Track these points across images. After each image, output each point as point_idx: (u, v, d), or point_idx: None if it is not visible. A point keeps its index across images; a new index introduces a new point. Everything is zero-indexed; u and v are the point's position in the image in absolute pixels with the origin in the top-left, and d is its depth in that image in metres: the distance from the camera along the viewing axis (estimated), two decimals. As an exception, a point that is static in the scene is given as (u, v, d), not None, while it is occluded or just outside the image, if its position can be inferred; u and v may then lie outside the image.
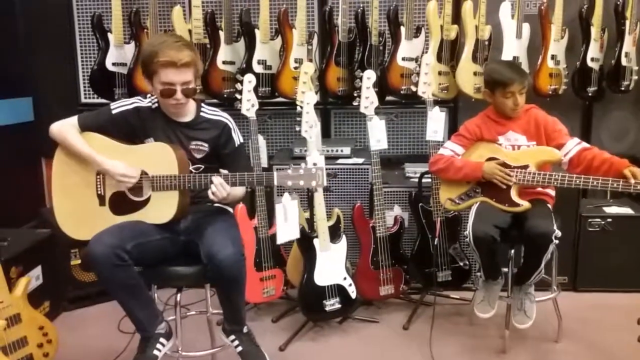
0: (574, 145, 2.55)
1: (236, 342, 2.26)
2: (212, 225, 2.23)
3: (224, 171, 2.23)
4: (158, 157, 2.19)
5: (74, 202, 2.24)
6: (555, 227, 2.41)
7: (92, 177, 2.23)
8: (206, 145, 2.28)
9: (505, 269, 2.62)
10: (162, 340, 2.16)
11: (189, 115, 2.28)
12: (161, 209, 2.18)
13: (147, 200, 2.20)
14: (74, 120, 2.24)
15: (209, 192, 2.13)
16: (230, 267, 2.08)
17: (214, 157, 2.31)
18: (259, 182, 2.27)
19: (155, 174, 2.17)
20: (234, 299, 2.23)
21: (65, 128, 2.21)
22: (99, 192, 2.23)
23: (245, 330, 2.29)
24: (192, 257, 2.18)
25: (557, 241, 2.42)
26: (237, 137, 2.36)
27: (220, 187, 2.11)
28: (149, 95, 2.28)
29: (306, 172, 2.11)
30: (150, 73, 2.15)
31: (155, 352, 2.13)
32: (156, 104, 2.26)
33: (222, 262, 2.05)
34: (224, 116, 2.35)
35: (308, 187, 2.15)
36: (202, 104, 2.34)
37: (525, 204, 2.52)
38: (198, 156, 2.27)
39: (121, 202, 2.21)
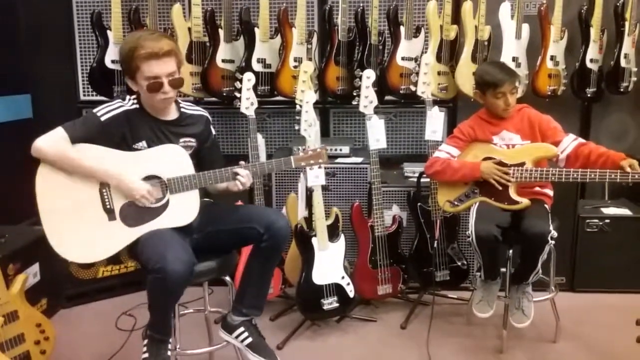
0: (570, 142, 2.55)
1: (245, 334, 2.26)
2: (244, 207, 2.50)
3: (242, 163, 2.25)
4: (171, 159, 2.14)
5: (73, 224, 2.05)
6: (551, 228, 2.42)
7: (94, 192, 2.08)
8: (194, 140, 2.28)
9: (504, 269, 2.62)
10: (171, 340, 2.16)
11: (173, 113, 2.25)
12: (184, 210, 2.14)
13: (166, 204, 2.13)
14: (61, 133, 2.05)
15: (237, 183, 2.19)
16: (287, 235, 2.25)
17: (199, 152, 2.32)
18: (278, 167, 2.30)
19: (171, 177, 2.12)
20: (270, 274, 2.33)
21: (60, 144, 2.03)
22: (108, 206, 2.08)
23: (254, 321, 2.31)
24: (204, 252, 2.19)
25: (553, 241, 2.42)
26: (213, 129, 2.41)
27: (247, 177, 2.20)
28: (127, 96, 2.21)
29: (314, 152, 2.29)
30: (133, 70, 2.09)
31: (168, 352, 2.14)
32: (138, 105, 2.18)
33: (281, 230, 2.19)
34: (202, 110, 2.37)
35: (317, 166, 2.45)
36: (179, 101, 2.32)
37: (524, 201, 2.53)
38: (187, 152, 2.26)
39: (135, 213, 2.10)
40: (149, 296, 2.06)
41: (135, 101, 2.19)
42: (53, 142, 2.04)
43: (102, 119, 2.11)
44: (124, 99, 2.19)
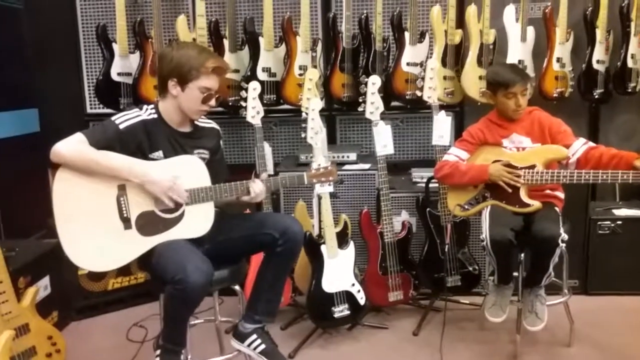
0: (580, 145, 2.53)
1: (258, 341, 2.26)
2: (256, 214, 2.56)
3: (264, 175, 2.30)
4: (189, 170, 2.15)
5: (88, 231, 2.04)
6: (561, 231, 2.39)
7: (112, 199, 2.07)
8: (207, 152, 2.30)
9: (516, 273, 2.60)
10: (183, 351, 2.16)
11: (189, 125, 2.27)
12: (199, 221, 2.14)
13: (181, 215, 2.13)
14: (80, 137, 2.05)
15: (248, 197, 2.21)
16: (302, 239, 2.29)
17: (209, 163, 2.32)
18: (291, 183, 2.33)
19: (188, 188, 2.12)
20: (284, 279, 2.34)
21: (81, 146, 2.02)
22: (125, 215, 2.08)
23: (266, 328, 2.31)
24: (214, 262, 2.16)
25: (563, 244, 2.40)
26: (222, 142, 2.44)
27: (260, 192, 2.22)
28: (144, 106, 2.21)
29: (325, 169, 2.32)
30: (190, 78, 2.12)
31: None
32: (156, 115, 2.19)
33: (297, 234, 2.22)
34: (213, 123, 2.39)
35: (328, 183, 2.50)
36: None
37: (536, 204, 2.50)
38: None
39: (151, 222, 2.09)
40: (167, 307, 2.06)
41: (153, 111, 2.19)
42: (72, 144, 2.03)
43: (121, 127, 2.11)
44: (141, 109, 2.19)
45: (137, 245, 2.09)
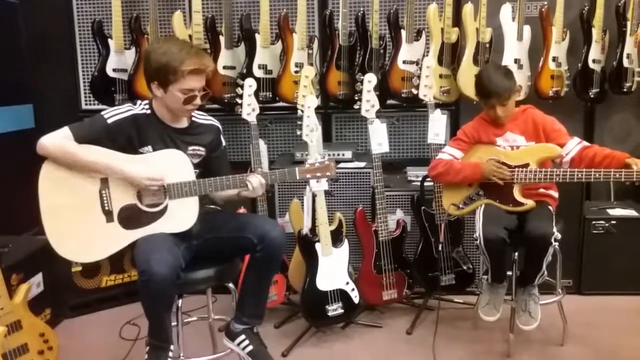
0: (574, 145, 2.53)
1: (246, 342, 2.26)
2: (242, 215, 2.44)
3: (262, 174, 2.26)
4: (173, 165, 2.14)
5: (72, 223, 2.07)
6: (554, 229, 2.40)
7: (94, 193, 2.09)
8: (203, 149, 2.29)
9: (509, 272, 2.60)
10: (172, 347, 2.15)
11: (184, 121, 2.27)
12: (182, 216, 2.14)
13: (164, 209, 2.14)
14: (66, 131, 2.07)
15: (245, 192, 2.20)
16: (281, 245, 2.21)
17: (207, 160, 2.32)
18: (282, 178, 2.27)
19: (171, 182, 2.12)
20: (268, 283, 2.32)
21: (63, 141, 2.05)
22: (107, 208, 2.10)
23: (255, 329, 2.30)
24: (205, 259, 2.20)
25: (556, 243, 2.41)
26: (223, 139, 2.41)
27: (259, 188, 2.19)
28: (139, 101, 2.22)
29: (321, 164, 2.25)
30: (170, 81, 2.11)
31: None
32: (149, 110, 2.19)
33: (275, 239, 2.16)
34: (213, 120, 2.38)
35: (324, 179, 2.40)
36: None
37: (529, 202, 2.51)
38: (194, 161, 2.25)
39: (133, 216, 2.11)
40: (141, 300, 2.06)
41: (147, 106, 2.20)
42: (56, 138, 2.06)
43: (109, 121, 2.12)
44: (134, 104, 2.20)
45: (119, 238, 2.10)
